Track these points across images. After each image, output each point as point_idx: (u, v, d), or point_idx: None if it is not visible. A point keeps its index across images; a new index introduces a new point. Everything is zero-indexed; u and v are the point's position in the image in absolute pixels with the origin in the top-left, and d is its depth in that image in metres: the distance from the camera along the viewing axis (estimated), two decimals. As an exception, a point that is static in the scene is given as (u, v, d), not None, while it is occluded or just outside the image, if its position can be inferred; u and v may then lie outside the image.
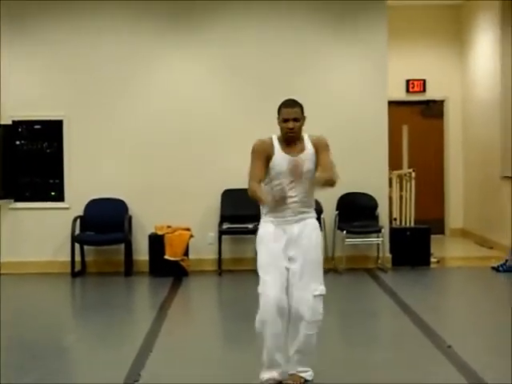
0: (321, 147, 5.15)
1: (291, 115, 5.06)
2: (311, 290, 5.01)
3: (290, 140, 5.11)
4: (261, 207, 5.20)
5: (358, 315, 7.45)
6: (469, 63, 12.35)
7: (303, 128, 5.18)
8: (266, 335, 5.04)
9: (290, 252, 5.08)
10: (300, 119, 5.10)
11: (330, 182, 5.08)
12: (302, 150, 5.11)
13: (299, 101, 5.15)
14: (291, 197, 5.07)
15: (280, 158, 5.07)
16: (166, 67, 9.95)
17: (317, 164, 5.14)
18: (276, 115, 5.17)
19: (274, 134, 5.20)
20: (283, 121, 5.09)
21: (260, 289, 5.03)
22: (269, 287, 4.97)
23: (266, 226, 5.14)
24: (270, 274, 5.00)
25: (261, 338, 5.09)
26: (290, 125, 5.05)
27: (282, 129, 5.12)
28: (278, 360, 5.10)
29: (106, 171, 9.89)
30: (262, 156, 5.09)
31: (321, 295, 5.06)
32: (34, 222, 9.87)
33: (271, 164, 5.08)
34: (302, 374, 5.15)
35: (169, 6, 9.86)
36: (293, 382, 5.12)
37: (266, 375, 5.13)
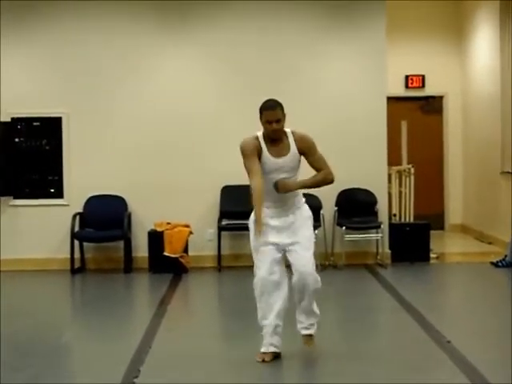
0: (308, 149, 5.50)
1: (273, 117, 5.36)
2: (310, 261, 5.45)
3: (275, 139, 5.42)
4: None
5: (357, 311, 7.45)
6: (468, 58, 12.34)
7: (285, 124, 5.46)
8: (260, 305, 5.53)
9: (284, 237, 5.48)
10: (282, 119, 5.40)
11: (322, 184, 5.58)
12: (287, 150, 5.44)
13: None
14: (279, 197, 5.44)
15: (267, 160, 5.42)
16: (165, 65, 9.93)
17: (311, 164, 5.53)
18: None
19: (259, 132, 5.47)
20: (266, 122, 5.38)
21: (255, 268, 5.55)
22: (259, 268, 5.47)
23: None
24: (259, 256, 5.45)
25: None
26: (274, 126, 5.36)
27: (265, 129, 5.42)
28: (273, 332, 5.51)
29: (105, 168, 9.88)
30: (254, 152, 5.40)
31: (314, 266, 5.50)
32: (33, 219, 9.86)
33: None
34: (311, 331, 5.60)
35: (164, 5, 9.84)
36: (306, 343, 5.61)
37: (263, 349, 5.55)
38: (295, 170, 5.49)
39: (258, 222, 5.33)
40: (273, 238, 5.44)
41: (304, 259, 5.42)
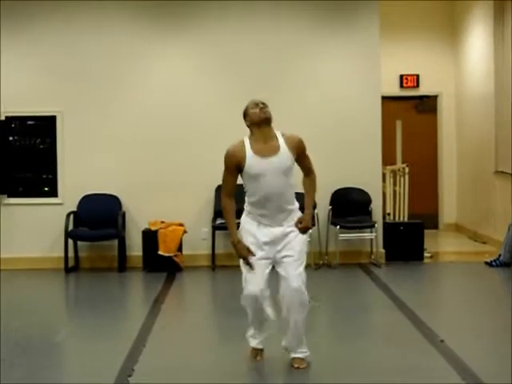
0: (300, 150, 5.27)
1: (261, 114, 5.20)
2: (301, 277, 5.23)
3: (263, 125, 5.19)
4: (245, 200, 5.41)
5: (351, 310, 7.46)
6: (462, 58, 12.36)
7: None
8: (248, 315, 5.44)
9: (277, 247, 5.27)
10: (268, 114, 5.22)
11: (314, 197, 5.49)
12: (276, 150, 5.18)
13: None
14: (271, 205, 5.22)
15: (252, 161, 5.18)
16: (160, 64, 9.93)
17: (301, 165, 5.35)
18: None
19: (246, 136, 5.29)
20: (252, 119, 5.22)
21: (243, 283, 5.35)
22: (248, 282, 5.26)
23: (246, 224, 5.36)
24: (250, 269, 5.25)
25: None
26: (263, 114, 5.18)
27: (251, 123, 5.24)
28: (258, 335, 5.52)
29: (100, 167, 9.87)
30: (233, 166, 5.26)
31: (305, 281, 5.27)
32: (27, 218, 9.85)
33: (244, 169, 5.22)
34: (302, 355, 5.36)
35: (159, 5, 9.84)
36: (297, 365, 5.32)
37: (252, 343, 5.56)
38: (288, 173, 5.21)
39: (239, 248, 5.26)
40: (264, 250, 5.24)
41: (295, 274, 5.19)
